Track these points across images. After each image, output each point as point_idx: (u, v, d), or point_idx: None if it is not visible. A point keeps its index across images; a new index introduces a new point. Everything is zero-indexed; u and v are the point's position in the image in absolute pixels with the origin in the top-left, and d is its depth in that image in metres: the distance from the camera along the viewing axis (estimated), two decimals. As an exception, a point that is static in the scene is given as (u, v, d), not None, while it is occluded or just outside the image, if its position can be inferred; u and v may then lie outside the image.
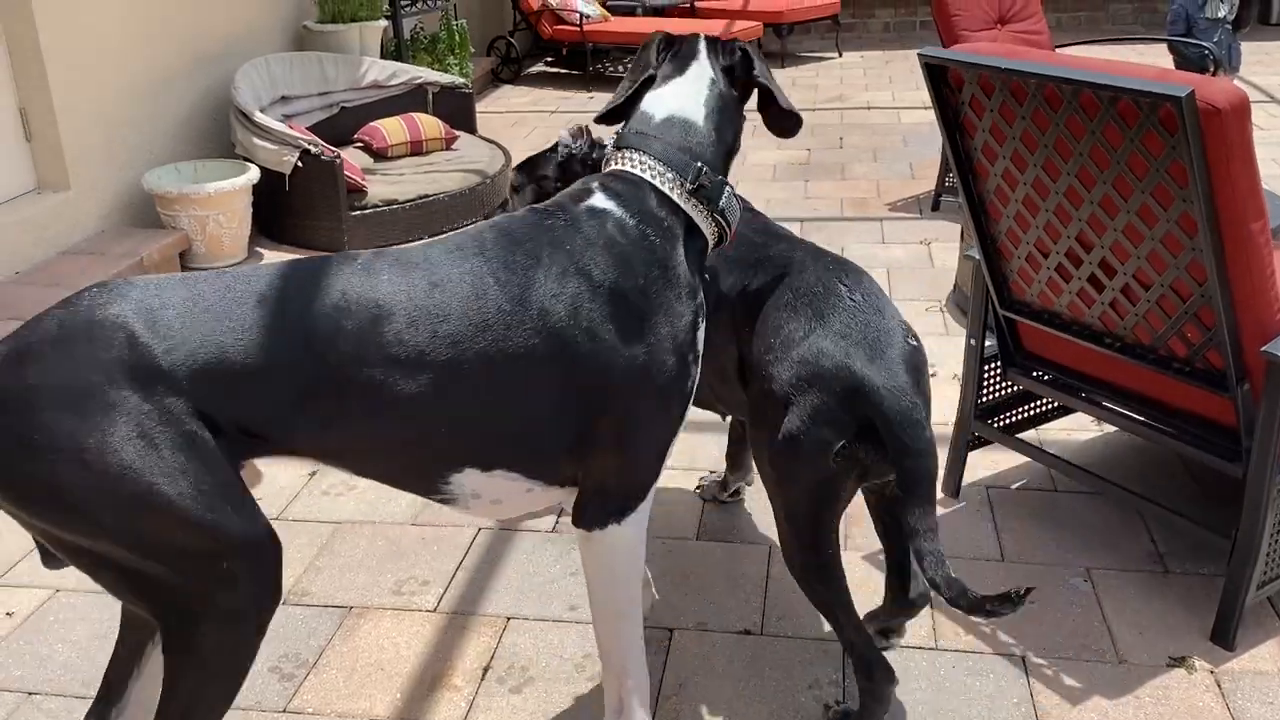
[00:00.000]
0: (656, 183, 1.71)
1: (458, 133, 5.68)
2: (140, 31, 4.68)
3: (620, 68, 8.89)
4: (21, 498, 1.40)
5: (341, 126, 5.58)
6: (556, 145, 2.48)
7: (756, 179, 5.68)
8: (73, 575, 2.54)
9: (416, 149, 5.47)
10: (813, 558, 1.87)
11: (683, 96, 1.79)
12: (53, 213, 4.22)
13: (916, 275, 4.25)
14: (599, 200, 1.70)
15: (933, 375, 3.40)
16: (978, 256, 2.57)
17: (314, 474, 2.94)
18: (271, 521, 1.54)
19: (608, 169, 1.77)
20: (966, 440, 2.73)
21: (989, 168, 2.37)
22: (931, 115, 6.87)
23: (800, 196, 5.38)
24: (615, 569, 1.73)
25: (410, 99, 5.82)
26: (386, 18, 6.27)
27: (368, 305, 1.52)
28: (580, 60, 8.43)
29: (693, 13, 9.06)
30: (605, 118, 1.86)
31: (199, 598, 1.43)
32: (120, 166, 4.58)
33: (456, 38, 6.97)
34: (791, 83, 8.25)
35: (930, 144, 6.22)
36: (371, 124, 5.50)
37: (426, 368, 1.52)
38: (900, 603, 2.10)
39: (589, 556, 1.75)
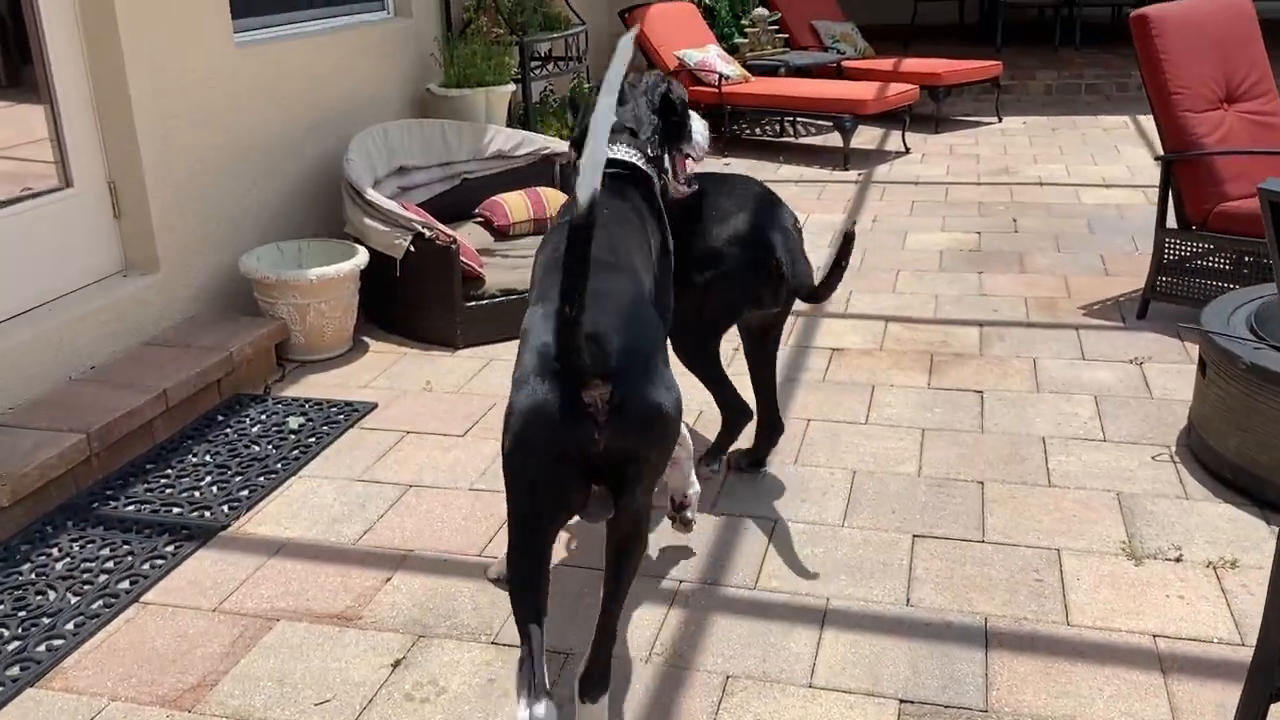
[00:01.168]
0: (636, 160, 2.53)
1: (586, 208, 5.14)
2: (245, 98, 4.28)
3: (758, 130, 8.31)
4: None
5: (462, 199, 5.11)
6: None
7: (918, 268, 5.00)
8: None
9: (540, 227, 4.96)
10: (705, 349, 2.93)
11: (621, 113, 2.61)
12: (138, 298, 3.80)
13: (1132, 408, 3.50)
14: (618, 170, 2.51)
15: (1178, 559, 2.67)
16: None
17: (397, 665, 2.36)
18: None
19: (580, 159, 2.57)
20: (1269, 692, 2.00)
21: (1347, 345, 1.67)
22: (1119, 198, 6.08)
23: (974, 292, 4.67)
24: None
25: (536, 170, 5.32)
26: (515, 81, 5.81)
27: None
28: (717, 122, 7.87)
29: (839, 74, 8.43)
30: (577, 142, 2.65)
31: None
32: (216, 246, 4.16)
33: (588, 102, 6.47)
34: (949, 150, 7.54)
35: (1120, 231, 5.44)
36: (494, 198, 5.02)
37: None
38: (769, 427, 3.16)
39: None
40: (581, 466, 1.84)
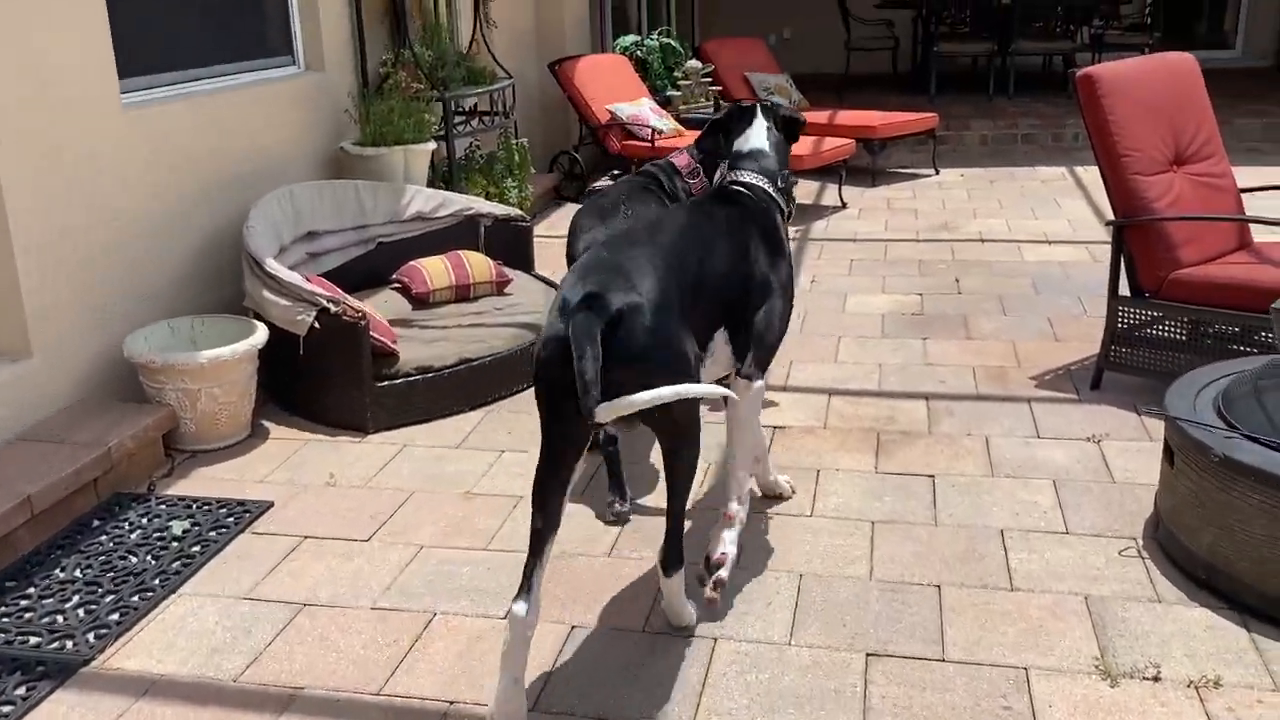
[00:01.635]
0: (763, 184, 2.95)
1: (511, 274, 4.86)
2: (135, 163, 3.93)
3: (694, 183, 8.10)
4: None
5: (378, 264, 4.80)
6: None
7: (860, 333, 4.77)
8: None
9: (463, 294, 4.66)
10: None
11: (757, 138, 3.05)
12: (7, 389, 3.41)
13: (1094, 494, 3.27)
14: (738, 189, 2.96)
15: (1156, 678, 2.43)
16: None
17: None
18: None
19: (732, 176, 2.98)
20: None
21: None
22: (1062, 254, 5.95)
23: (919, 360, 4.44)
24: (757, 405, 2.90)
25: (459, 232, 5.03)
26: (438, 138, 5.52)
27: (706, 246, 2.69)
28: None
29: (776, 126, 8.26)
30: (710, 147, 3.19)
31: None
32: (101, 326, 3.78)
33: (516, 157, 6.21)
34: (886, 204, 7.39)
35: (1066, 291, 5.27)
36: (412, 263, 4.71)
37: (721, 274, 2.70)
38: None
39: (747, 399, 2.84)
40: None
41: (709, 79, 8.56)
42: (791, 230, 6.89)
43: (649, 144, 7.36)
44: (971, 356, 4.47)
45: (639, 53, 8.52)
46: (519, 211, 5.19)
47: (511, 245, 5.13)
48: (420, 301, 4.59)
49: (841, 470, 3.49)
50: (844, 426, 3.82)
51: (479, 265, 4.72)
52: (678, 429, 2.44)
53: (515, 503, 3.31)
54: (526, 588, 2.27)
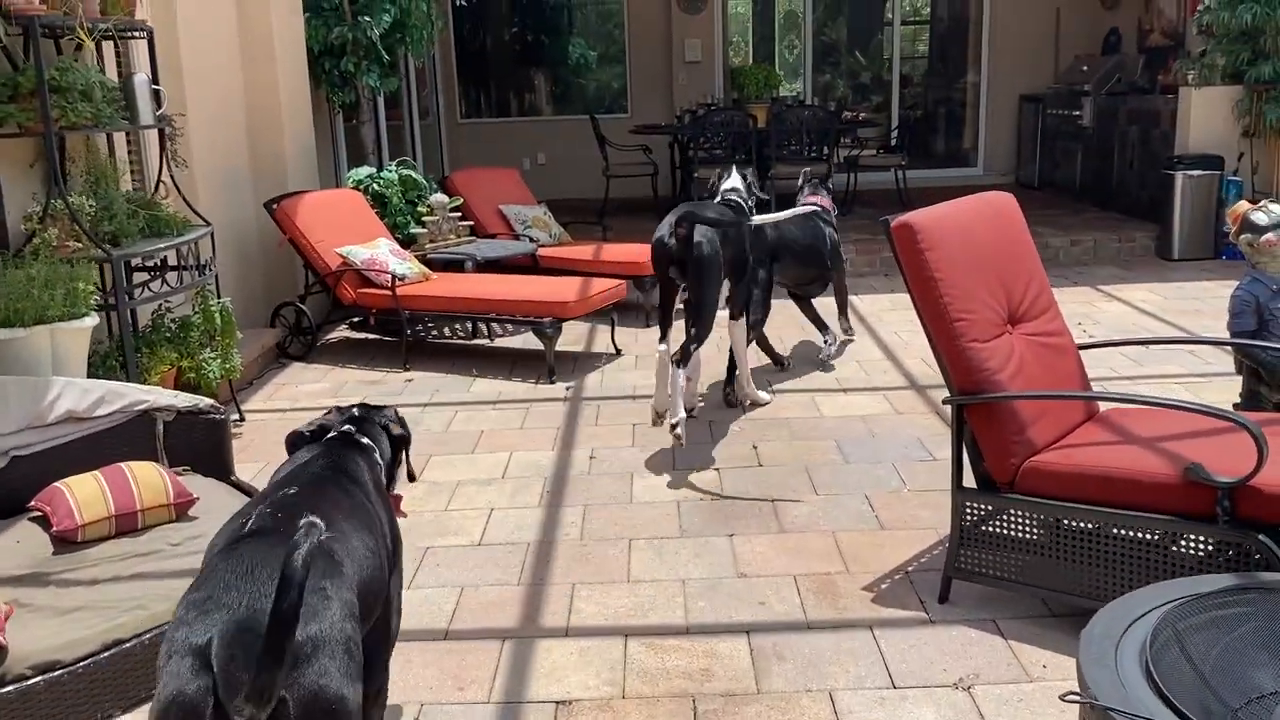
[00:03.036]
0: (743, 201, 5.24)
1: (197, 487, 3.70)
2: None
3: (447, 330, 7.10)
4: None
5: (12, 486, 3.54)
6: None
7: (654, 533, 3.89)
8: None
9: (127, 525, 3.44)
10: (758, 285, 5.37)
11: (735, 181, 5.34)
12: None
13: (988, 786, 2.45)
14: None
15: None
16: None
17: None
18: None
19: (723, 197, 5.24)
20: None
21: None
22: (861, 406, 5.43)
23: (730, 571, 3.59)
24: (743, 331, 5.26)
25: (129, 434, 3.82)
26: (105, 308, 4.33)
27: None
28: (393, 329, 6.62)
29: (535, 267, 7.44)
30: (715, 193, 5.39)
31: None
32: None
33: (218, 320, 5.06)
34: (663, 350, 6.62)
35: (877, 458, 4.59)
36: (58, 485, 3.46)
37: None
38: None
39: (739, 329, 5.23)
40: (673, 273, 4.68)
41: (458, 213, 7.68)
42: (561, 388, 6.01)
43: (389, 292, 6.34)
44: (790, 559, 3.65)
45: (376, 186, 7.54)
46: (209, 401, 4.03)
47: (201, 444, 3.97)
48: (67, 541, 3.36)
49: (652, 775, 2.54)
50: (649, 692, 2.88)
51: (149, 482, 3.53)
52: (698, 299, 4.61)
53: None
54: (664, 337, 4.73)
